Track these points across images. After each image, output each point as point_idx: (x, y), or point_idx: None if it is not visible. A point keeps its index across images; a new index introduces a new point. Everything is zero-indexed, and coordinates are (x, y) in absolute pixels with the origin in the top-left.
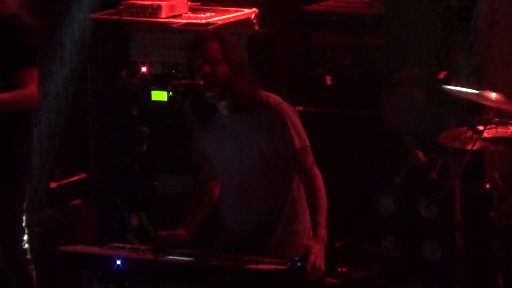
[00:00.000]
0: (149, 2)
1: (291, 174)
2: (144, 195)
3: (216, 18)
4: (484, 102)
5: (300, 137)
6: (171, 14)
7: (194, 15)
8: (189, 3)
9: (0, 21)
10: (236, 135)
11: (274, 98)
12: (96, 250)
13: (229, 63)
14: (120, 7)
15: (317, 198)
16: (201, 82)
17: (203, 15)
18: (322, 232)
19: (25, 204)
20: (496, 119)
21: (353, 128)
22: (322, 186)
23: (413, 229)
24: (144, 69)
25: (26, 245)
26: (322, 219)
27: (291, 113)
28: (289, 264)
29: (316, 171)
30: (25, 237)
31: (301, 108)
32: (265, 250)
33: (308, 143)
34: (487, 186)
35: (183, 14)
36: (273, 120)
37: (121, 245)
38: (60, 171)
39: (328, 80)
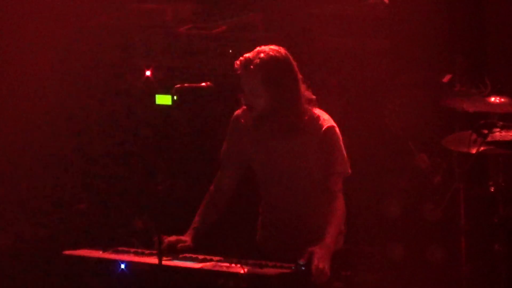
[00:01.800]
0: (154, 6)
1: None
2: (148, 199)
3: (221, 22)
4: (489, 105)
5: (342, 162)
6: (176, 17)
7: (199, 19)
8: (193, 6)
9: None
10: (287, 155)
11: (327, 121)
12: (100, 254)
13: (269, 95)
14: (125, 11)
15: (334, 214)
16: (205, 85)
17: (207, 19)
18: (329, 240)
19: None
20: (501, 123)
21: (357, 131)
22: (343, 208)
23: (418, 233)
24: (148, 72)
25: None
26: (333, 230)
27: (340, 137)
28: (293, 268)
29: (341, 196)
30: None
31: None
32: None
33: (346, 171)
34: (491, 189)
35: (188, 18)
36: (326, 144)
37: (125, 249)
38: (64, 175)
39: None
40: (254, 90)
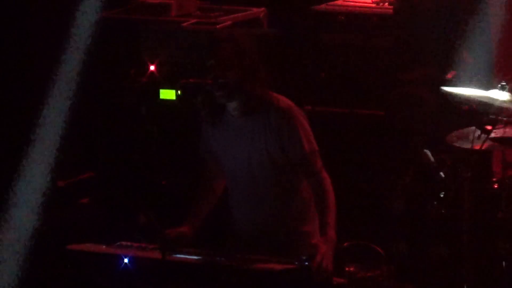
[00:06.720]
0: (158, 1)
1: (299, 176)
2: (152, 194)
3: (225, 18)
4: (493, 102)
5: (309, 141)
6: (180, 13)
7: (203, 14)
8: (198, 2)
9: None
10: (245, 136)
11: (284, 101)
12: (103, 248)
13: (240, 66)
14: (129, 6)
15: (326, 200)
16: (210, 82)
17: (212, 14)
18: (331, 232)
19: None
20: (505, 119)
21: (362, 128)
22: (331, 188)
23: (422, 229)
24: (152, 67)
25: None
26: (331, 220)
27: (301, 117)
28: (296, 263)
29: (325, 174)
30: None
31: (309, 107)
32: (274, 249)
33: (316, 148)
34: (495, 186)
35: (192, 13)
36: (283, 123)
37: (128, 243)
38: (68, 170)
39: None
40: (225, 60)
